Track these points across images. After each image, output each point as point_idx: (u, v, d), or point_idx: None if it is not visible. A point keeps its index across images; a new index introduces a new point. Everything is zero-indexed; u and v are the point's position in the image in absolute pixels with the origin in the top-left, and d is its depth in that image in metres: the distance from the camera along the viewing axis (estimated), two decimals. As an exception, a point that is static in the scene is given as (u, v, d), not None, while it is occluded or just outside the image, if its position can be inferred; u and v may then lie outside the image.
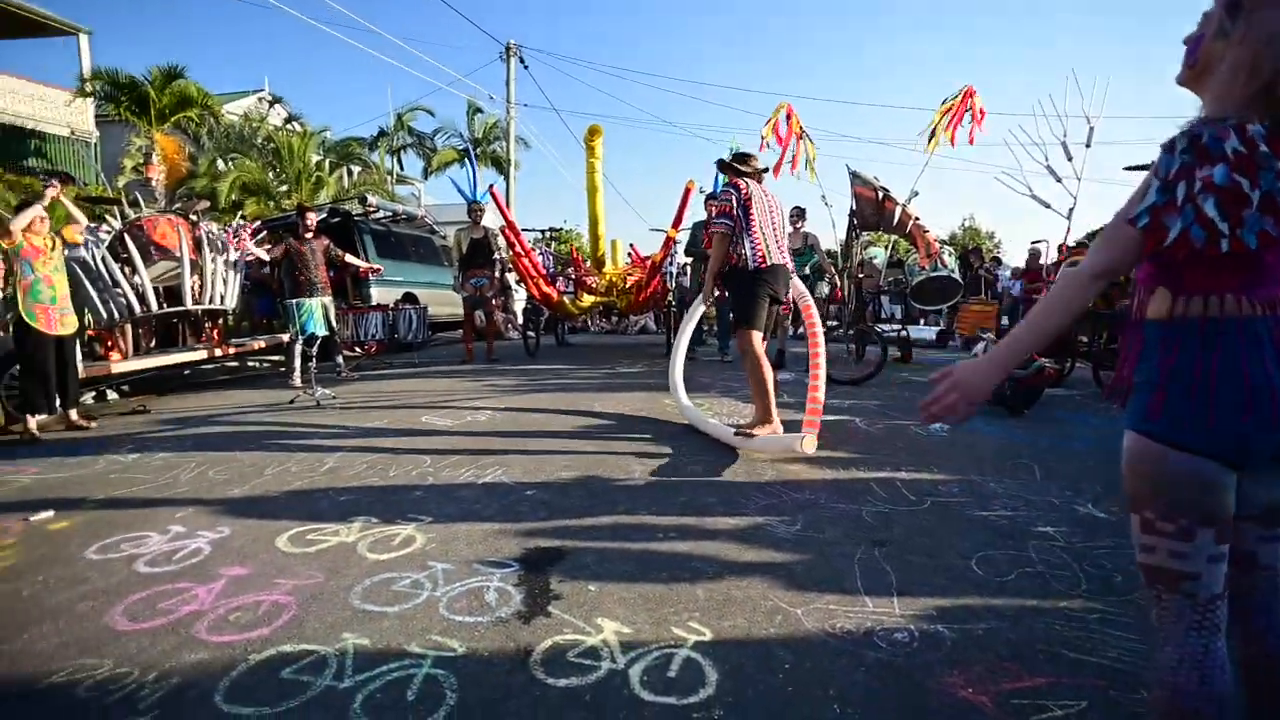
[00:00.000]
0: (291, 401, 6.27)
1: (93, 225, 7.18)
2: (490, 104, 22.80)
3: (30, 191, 11.24)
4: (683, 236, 9.01)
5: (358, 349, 9.73)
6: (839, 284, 8.42)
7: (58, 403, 5.38)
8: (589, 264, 9.98)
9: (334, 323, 7.64)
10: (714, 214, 4.55)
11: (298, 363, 7.23)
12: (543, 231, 14.41)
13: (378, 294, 10.57)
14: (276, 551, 2.79)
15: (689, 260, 9.53)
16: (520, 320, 12.13)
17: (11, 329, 5.35)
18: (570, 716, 1.75)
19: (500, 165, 22.50)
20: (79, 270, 6.69)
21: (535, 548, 2.78)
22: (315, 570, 2.60)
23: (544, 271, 9.74)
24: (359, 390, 6.93)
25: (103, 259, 6.94)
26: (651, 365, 8.24)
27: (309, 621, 2.22)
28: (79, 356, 5.79)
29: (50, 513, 3.35)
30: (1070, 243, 7.26)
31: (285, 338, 8.07)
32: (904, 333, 8.99)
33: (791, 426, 4.50)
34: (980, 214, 57.51)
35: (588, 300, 9.96)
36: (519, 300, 12.78)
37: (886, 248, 9.78)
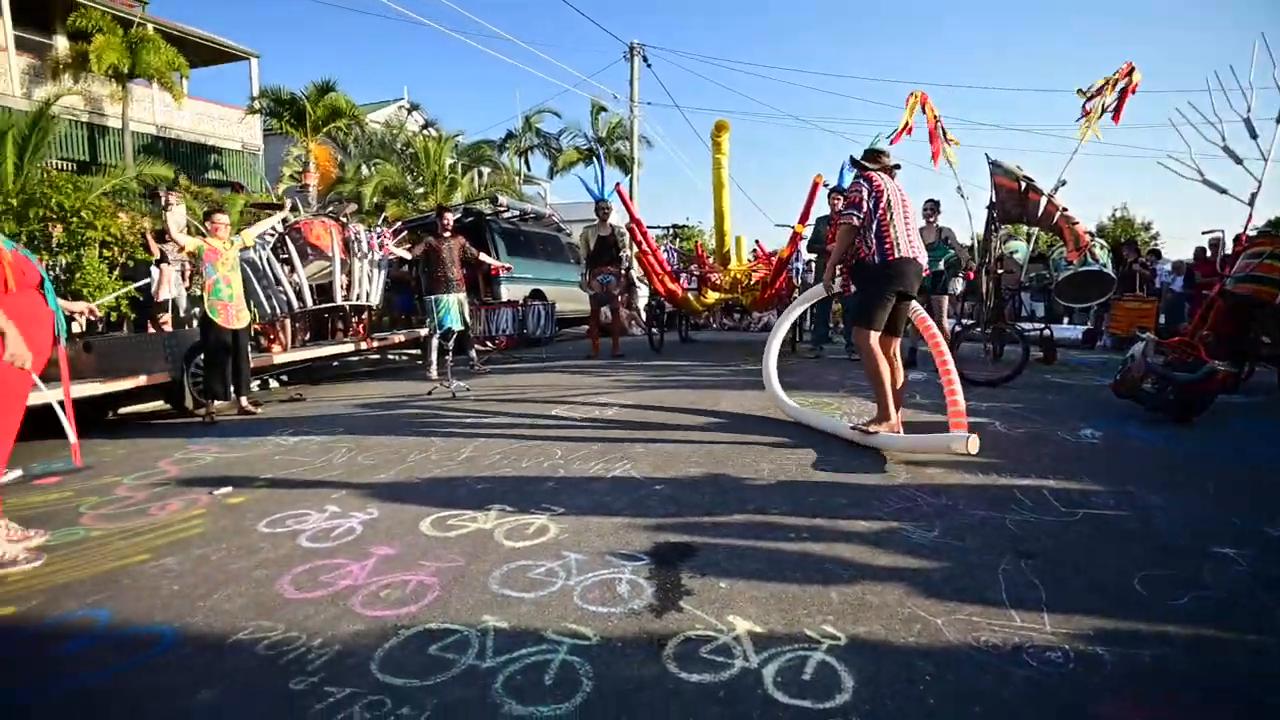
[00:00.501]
0: (429, 392, 6.63)
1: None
2: (614, 104, 23.22)
3: (210, 201, 12.55)
4: (808, 233, 8.82)
5: (489, 343, 10.16)
6: (977, 271, 7.91)
7: (232, 390, 5.97)
8: (713, 260, 9.94)
9: (468, 318, 8.01)
10: (843, 204, 4.43)
11: (434, 356, 7.63)
12: (666, 228, 14.51)
13: (508, 291, 11.00)
14: (420, 534, 2.96)
15: (813, 256, 9.31)
16: (644, 316, 12.28)
17: (197, 323, 5.99)
18: (705, 712, 1.75)
19: (624, 164, 22.85)
20: (248, 269, 7.38)
21: (665, 542, 2.80)
22: (456, 554, 2.73)
23: (669, 268, 9.80)
24: (491, 383, 7.24)
25: (268, 259, 7.62)
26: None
27: (452, 602, 2.34)
28: (249, 348, 6.40)
29: (229, 488, 3.72)
30: (1251, 231, 6.50)
31: (423, 332, 8.56)
32: (1047, 331, 8.38)
33: (926, 427, 4.31)
34: (1134, 203, 52.59)
35: (712, 297, 9.93)
36: (642, 296, 12.94)
37: (1029, 241, 9.11)
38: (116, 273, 8.08)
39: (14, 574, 2.70)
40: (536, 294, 11.60)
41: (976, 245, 8.07)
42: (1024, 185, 6.95)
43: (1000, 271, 7.61)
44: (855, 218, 4.11)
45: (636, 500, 3.32)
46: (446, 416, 5.47)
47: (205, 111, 19.82)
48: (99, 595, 2.49)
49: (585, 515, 3.13)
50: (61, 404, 3.32)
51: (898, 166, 4.48)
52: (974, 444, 3.65)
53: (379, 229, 8.92)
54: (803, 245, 9.25)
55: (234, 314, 5.85)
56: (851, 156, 4.66)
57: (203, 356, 5.98)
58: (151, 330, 8.87)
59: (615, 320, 9.51)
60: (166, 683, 1.94)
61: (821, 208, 8.42)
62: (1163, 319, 10.20)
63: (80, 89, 16.18)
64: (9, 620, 2.36)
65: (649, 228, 10.60)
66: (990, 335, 7.59)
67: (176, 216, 5.86)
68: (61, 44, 17.06)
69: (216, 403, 5.87)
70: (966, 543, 2.75)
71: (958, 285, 8.43)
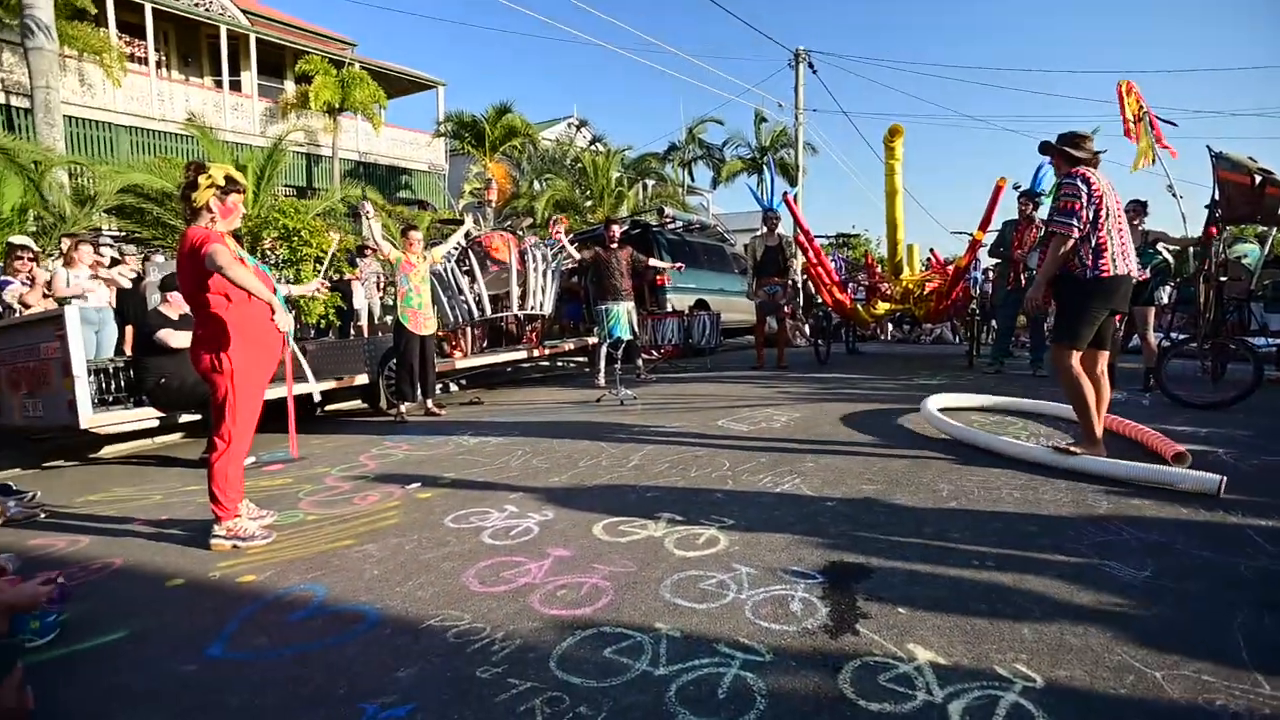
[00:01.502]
0: (598, 400, 6.85)
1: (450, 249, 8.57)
2: (778, 112, 22.98)
3: (403, 219, 13.82)
4: (989, 239, 8.22)
5: (654, 352, 10.34)
6: (1194, 276, 6.98)
7: (419, 392, 6.49)
8: (884, 270, 9.54)
9: (636, 327, 8.18)
10: (1052, 211, 3.84)
11: (603, 364, 7.86)
12: (831, 238, 14.13)
13: (672, 301, 11.15)
14: (594, 538, 3.05)
15: (995, 262, 8.67)
16: (807, 328, 12.00)
17: (391, 330, 6.60)
18: (888, 747, 1.66)
19: (787, 172, 22.52)
20: (434, 280, 8.01)
21: (839, 561, 2.70)
22: (628, 560, 2.79)
23: (837, 278, 9.52)
24: (657, 392, 7.36)
25: (451, 271, 8.23)
26: (955, 378, 7.59)
27: (624, 607, 2.38)
28: (435, 354, 6.94)
29: (419, 484, 4.05)
30: None
31: (592, 340, 8.87)
32: (1286, 348, 7.23)
33: (1126, 451, 3.86)
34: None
35: (882, 308, 9.51)
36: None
37: (1263, 244, 7.90)
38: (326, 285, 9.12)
39: (254, 548, 3.14)
40: (701, 304, 11.66)
41: (1193, 249, 7.13)
42: (1259, 179, 6.06)
43: (1223, 279, 6.67)
44: (1075, 229, 3.63)
45: (807, 516, 3.23)
46: (615, 424, 5.62)
47: (398, 137, 21.97)
48: (316, 573, 2.80)
49: (755, 529, 3.08)
50: (289, 399, 3.78)
51: (1103, 151, 3.87)
52: (1222, 489, 3.23)
53: (555, 217, 9.35)
54: (982, 252, 8.64)
55: (423, 321, 6.37)
56: (1046, 142, 3.99)
57: (395, 361, 6.56)
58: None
59: (781, 331, 9.35)
60: (372, 658, 2.13)
61: (1006, 212, 7.84)
62: None
63: (301, 125, 18.50)
64: (251, 587, 2.73)
65: (814, 236, 10.37)
66: (1209, 351, 6.67)
67: (377, 228, 6.50)
68: (290, 87, 19.79)
69: (405, 404, 6.41)
70: (1188, 587, 2.40)
71: (1164, 295, 7.51)
